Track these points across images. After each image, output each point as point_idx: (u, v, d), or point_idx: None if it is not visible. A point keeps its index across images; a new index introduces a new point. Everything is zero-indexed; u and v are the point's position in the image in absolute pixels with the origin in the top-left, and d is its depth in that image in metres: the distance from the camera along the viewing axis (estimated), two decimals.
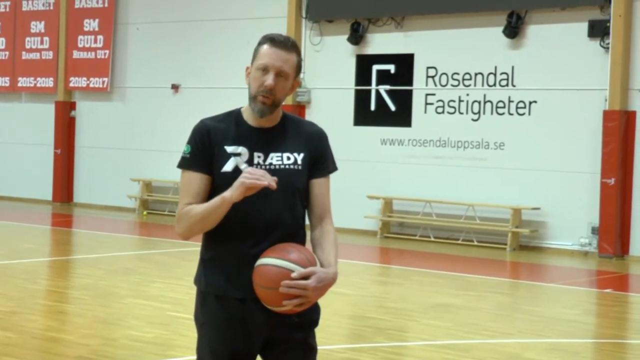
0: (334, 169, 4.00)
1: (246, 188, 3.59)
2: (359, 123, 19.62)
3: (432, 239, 18.21)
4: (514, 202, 17.44)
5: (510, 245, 17.24)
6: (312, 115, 20.21)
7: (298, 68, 3.91)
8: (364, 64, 19.55)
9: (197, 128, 3.89)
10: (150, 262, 14.31)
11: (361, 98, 19.58)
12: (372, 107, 19.46)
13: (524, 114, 17.67)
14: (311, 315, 3.86)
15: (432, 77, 18.76)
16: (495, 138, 17.92)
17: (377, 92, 19.38)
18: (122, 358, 7.75)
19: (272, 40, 3.81)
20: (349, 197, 19.18)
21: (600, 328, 10.61)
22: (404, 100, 19.05)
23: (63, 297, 11.06)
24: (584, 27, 17.02)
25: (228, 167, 3.77)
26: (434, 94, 18.73)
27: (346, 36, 19.57)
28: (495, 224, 17.58)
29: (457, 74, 18.45)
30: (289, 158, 3.83)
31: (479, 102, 18.17)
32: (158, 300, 10.57)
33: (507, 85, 17.88)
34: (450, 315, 10.33)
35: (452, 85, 18.49)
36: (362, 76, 19.57)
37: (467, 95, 18.32)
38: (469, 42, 18.26)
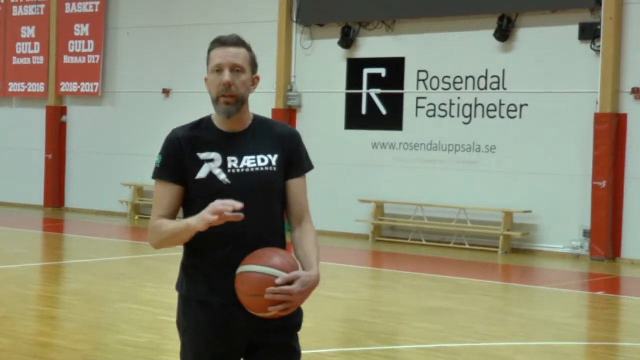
0: (310, 167, 3.99)
1: (209, 223, 3.59)
2: (350, 127, 19.62)
3: (424, 242, 18.22)
4: (506, 206, 17.46)
5: (502, 249, 17.25)
6: (304, 120, 20.21)
7: (253, 62, 3.93)
8: (354, 67, 19.56)
9: (169, 138, 3.87)
10: (141, 266, 14.29)
11: (352, 102, 19.59)
12: (363, 111, 19.47)
13: (515, 117, 17.70)
14: (294, 319, 3.84)
15: (423, 80, 18.78)
16: (487, 141, 17.93)
17: (368, 96, 19.39)
18: None
19: (218, 41, 3.84)
20: (341, 200, 19.19)
21: (592, 331, 10.62)
22: (395, 104, 19.06)
23: (54, 302, 11.03)
24: (574, 30, 17.05)
25: (202, 173, 3.78)
26: (425, 98, 18.75)
27: (337, 40, 19.57)
28: (487, 227, 17.59)
29: (448, 77, 18.47)
30: (263, 160, 3.83)
31: (470, 106, 18.19)
32: (150, 304, 10.56)
33: (498, 88, 17.90)
34: (442, 319, 10.33)
35: (443, 89, 18.51)
36: (353, 80, 19.57)
37: (458, 98, 18.34)
38: (460, 46, 18.28)
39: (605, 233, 16.51)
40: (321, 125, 20.02)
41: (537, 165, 17.41)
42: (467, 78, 18.26)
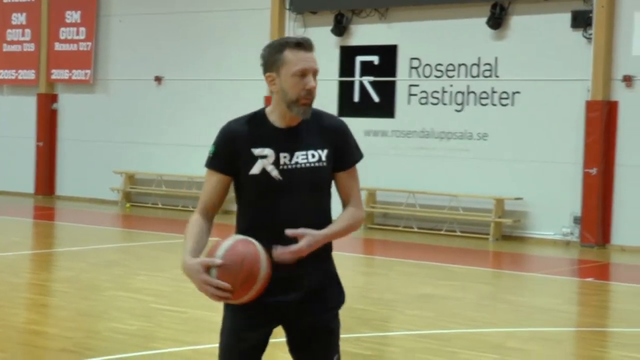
0: (360, 157, 4.13)
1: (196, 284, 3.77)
2: (342, 114, 19.58)
3: (416, 229, 18.25)
4: (497, 193, 17.49)
5: (493, 235, 17.29)
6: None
7: None
8: (347, 55, 19.55)
9: (224, 131, 3.98)
10: (132, 254, 14.29)
11: (345, 89, 19.59)
12: (356, 98, 19.47)
13: (507, 104, 17.72)
14: (332, 301, 4.10)
15: (416, 68, 18.78)
16: (479, 129, 17.96)
17: (361, 83, 19.39)
18: (105, 350, 7.74)
19: (299, 44, 3.92)
20: (332, 188, 19.20)
21: (582, 317, 10.67)
22: (388, 91, 19.06)
23: (46, 290, 11.04)
24: (567, 17, 17.06)
25: (255, 169, 3.89)
26: (417, 85, 18.75)
27: (330, 27, 19.56)
28: (478, 214, 17.63)
29: (441, 65, 18.48)
30: (313, 155, 3.95)
31: (463, 93, 18.20)
32: (141, 292, 10.56)
33: (490, 76, 17.91)
34: (434, 306, 10.36)
35: (436, 76, 18.52)
36: (346, 67, 19.57)
37: (451, 86, 18.35)
38: (453, 33, 18.28)
39: (596, 220, 16.57)
40: None
41: (528, 152, 17.44)
42: (459, 65, 18.27)
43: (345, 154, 4.06)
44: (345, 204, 4.09)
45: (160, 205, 21.70)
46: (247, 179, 3.89)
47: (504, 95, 17.75)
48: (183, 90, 21.52)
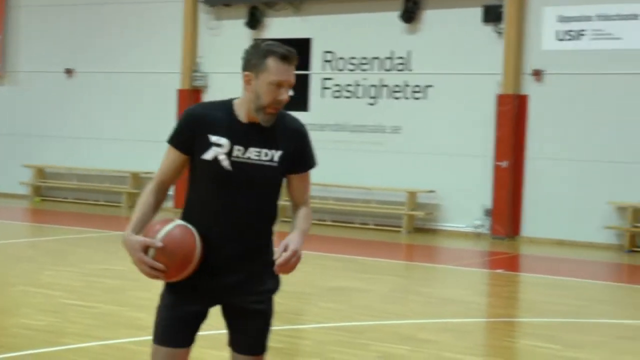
0: (313, 165, 4.23)
1: (134, 263, 3.97)
2: None
3: (329, 222, 18.33)
4: (410, 186, 17.67)
5: (406, 228, 17.47)
6: (209, 100, 20.11)
7: None
8: None
9: (188, 112, 4.12)
10: (42, 249, 14.07)
11: None
12: None
13: (420, 98, 17.90)
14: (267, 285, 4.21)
15: (329, 61, 18.86)
16: (392, 122, 18.11)
17: None
18: (14, 346, 7.61)
19: (283, 56, 4.00)
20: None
21: (492, 307, 10.85)
22: (301, 85, 19.09)
23: None
24: (478, 12, 17.30)
25: (208, 155, 4.02)
26: (331, 79, 18.83)
27: (244, 20, 19.51)
28: (391, 207, 17.79)
29: (354, 58, 18.58)
30: (266, 154, 4.06)
31: (376, 87, 18.34)
32: (50, 287, 10.41)
33: (403, 69, 18.08)
34: (346, 298, 10.42)
35: (349, 70, 18.61)
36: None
37: (364, 79, 18.46)
38: (366, 27, 18.39)
39: (506, 212, 16.86)
40: None
41: (441, 145, 17.65)
42: (372, 59, 18.40)
43: (302, 158, 4.18)
44: (295, 204, 4.23)
45: (70, 199, 21.41)
46: (199, 163, 4.04)
47: (417, 89, 17.93)
48: (94, 83, 21.24)
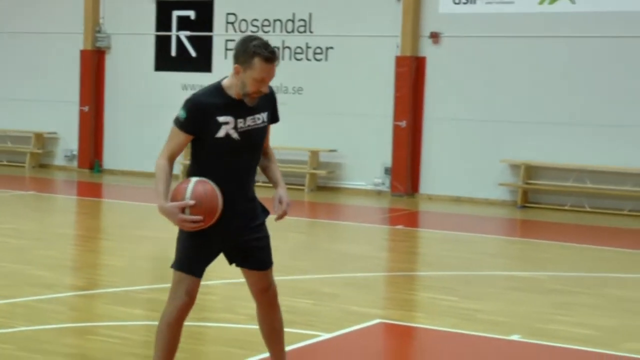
0: (279, 118, 5.34)
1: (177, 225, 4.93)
2: (159, 68, 19.64)
3: None
4: (312, 145, 17.98)
5: (309, 186, 17.81)
6: (113, 61, 20.07)
7: None
8: (164, 9, 19.53)
9: (195, 102, 5.00)
10: None
11: (162, 44, 19.60)
12: (173, 53, 19.52)
13: (321, 59, 18.18)
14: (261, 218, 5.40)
15: (232, 23, 18.99)
16: (294, 83, 18.36)
17: (178, 38, 19.45)
18: None
19: (266, 59, 4.93)
20: (149, 142, 19.24)
21: (392, 262, 11.25)
22: (205, 46, 19.20)
23: None
24: None
25: (220, 133, 4.99)
26: (233, 40, 18.94)
27: None
28: (294, 166, 18.07)
29: (257, 20, 18.75)
30: (259, 118, 5.12)
31: (278, 48, 18.54)
32: None
33: (305, 31, 18.32)
34: None
35: (252, 31, 18.76)
36: (162, 22, 19.56)
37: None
38: None
39: (405, 170, 17.32)
40: (131, 67, 19.95)
41: (342, 106, 17.98)
42: (274, 21, 18.59)
43: (275, 113, 5.28)
44: (265, 150, 5.33)
45: None
46: (214, 141, 4.99)
47: (318, 51, 18.21)
48: None
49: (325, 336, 7.04)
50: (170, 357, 5.15)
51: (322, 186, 18.14)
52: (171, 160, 5.04)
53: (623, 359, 6.76)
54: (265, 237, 5.31)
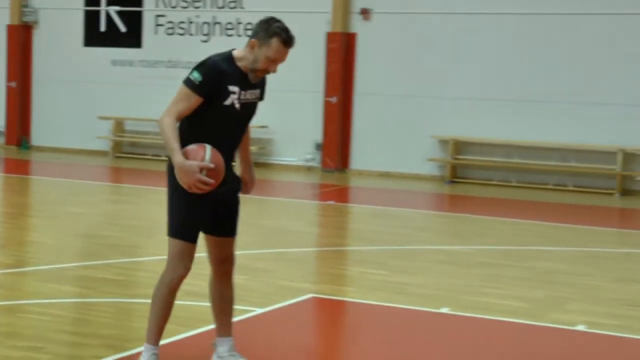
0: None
1: (187, 183, 5.01)
2: (88, 44, 19.46)
3: (164, 157, 18.50)
4: None
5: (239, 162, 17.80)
6: (41, 36, 19.82)
7: None
8: None
9: (214, 67, 5.13)
10: None
11: (91, 19, 19.40)
12: (102, 28, 19.35)
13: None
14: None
15: None
16: None
17: (107, 13, 19.26)
18: None
19: (285, 41, 5.13)
20: (79, 118, 19.11)
21: (323, 237, 11.38)
22: (134, 22, 19.06)
23: None
24: None
25: (228, 101, 5.16)
26: (164, 15, 18.86)
27: None
28: None
29: None
30: (255, 94, 5.32)
31: (209, 24, 18.50)
32: None
33: (235, 7, 18.30)
34: None
35: (182, 7, 18.69)
36: None
37: (197, 17, 18.59)
38: None
39: (335, 146, 17.45)
40: (59, 42, 19.72)
41: (273, 81, 17.79)
42: None
43: (263, 93, 5.43)
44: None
45: None
46: (220, 107, 5.14)
47: (249, 26, 18.20)
48: None
49: (259, 311, 7.11)
50: (167, 321, 5.34)
51: (254, 162, 18.14)
52: (178, 118, 5.12)
53: (549, 329, 6.94)
54: (238, 205, 5.50)
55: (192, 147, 5.08)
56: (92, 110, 19.17)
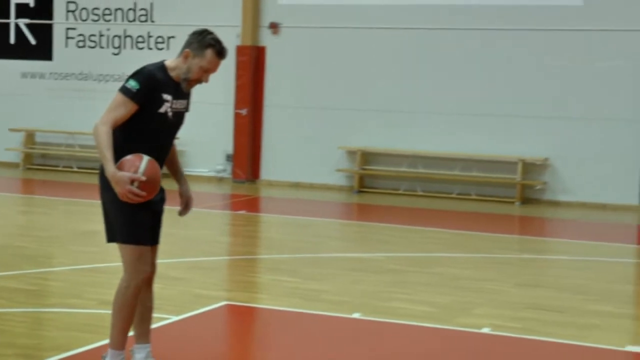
0: None
1: (119, 193, 5.15)
2: None
3: (76, 169, 18.55)
4: None
5: None
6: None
7: None
8: None
9: (148, 74, 5.28)
10: None
11: (0, 31, 19.29)
12: (12, 41, 19.25)
13: (163, 48, 18.29)
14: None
15: (73, 11, 18.87)
16: None
17: (17, 26, 19.18)
18: None
19: (218, 53, 5.36)
20: None
21: (235, 246, 11.54)
22: (45, 34, 19.02)
23: None
24: None
25: (162, 109, 5.32)
26: (74, 29, 18.87)
27: None
28: None
29: (98, 9, 18.71)
30: (184, 104, 5.51)
31: (120, 37, 18.57)
32: None
33: (146, 21, 18.40)
34: (97, 241, 10.62)
35: (93, 20, 18.72)
36: (1, 9, 19.25)
37: (108, 30, 18.64)
38: None
39: (246, 157, 17.65)
40: None
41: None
42: (116, 10, 18.59)
43: (189, 103, 5.62)
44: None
45: None
46: (154, 115, 5.29)
47: (160, 40, 18.31)
48: None
49: (174, 319, 7.21)
50: (130, 325, 5.49)
51: (163, 173, 18.18)
52: (114, 126, 5.21)
53: (457, 332, 7.20)
54: (162, 214, 5.63)
55: (128, 158, 5.20)
56: (2, 122, 19.06)
